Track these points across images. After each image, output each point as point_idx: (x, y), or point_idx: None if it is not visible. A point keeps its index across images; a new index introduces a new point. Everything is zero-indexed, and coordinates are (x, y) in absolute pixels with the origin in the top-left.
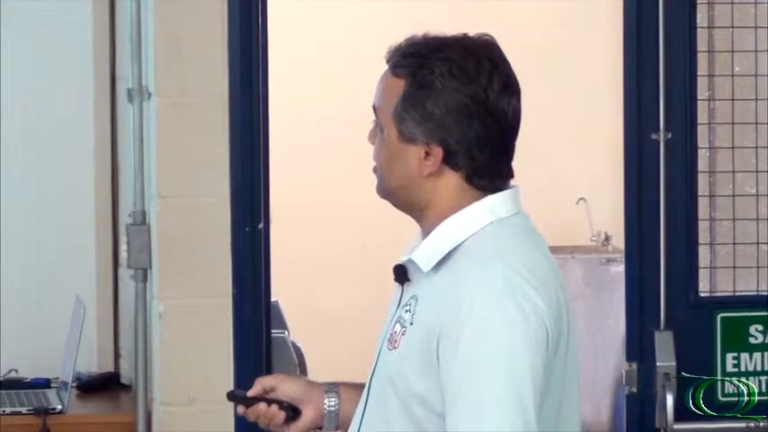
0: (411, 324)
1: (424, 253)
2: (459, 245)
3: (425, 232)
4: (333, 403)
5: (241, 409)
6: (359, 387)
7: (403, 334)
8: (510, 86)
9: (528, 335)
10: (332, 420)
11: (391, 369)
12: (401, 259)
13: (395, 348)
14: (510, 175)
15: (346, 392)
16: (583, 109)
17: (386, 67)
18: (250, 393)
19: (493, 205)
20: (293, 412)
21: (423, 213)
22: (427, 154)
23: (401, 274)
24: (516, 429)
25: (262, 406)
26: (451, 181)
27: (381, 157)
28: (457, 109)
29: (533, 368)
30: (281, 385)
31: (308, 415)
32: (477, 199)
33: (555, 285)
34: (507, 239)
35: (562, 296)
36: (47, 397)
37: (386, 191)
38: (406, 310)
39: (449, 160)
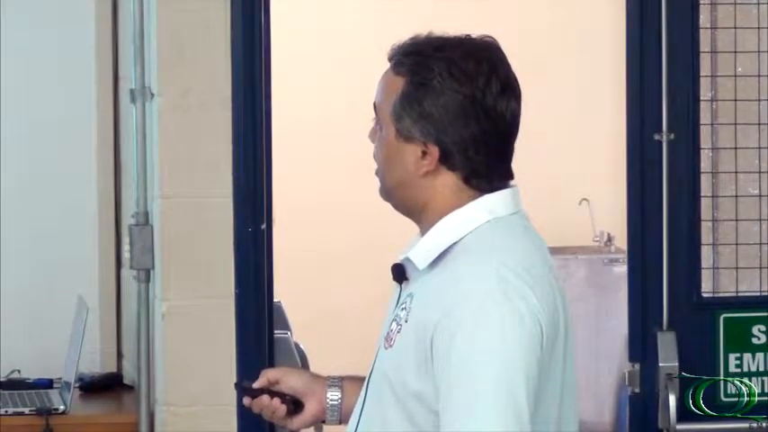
0: (406, 322)
1: (421, 251)
2: (455, 242)
3: (423, 233)
4: (335, 397)
5: (246, 400)
6: (362, 381)
7: (398, 332)
8: (509, 88)
9: (522, 334)
10: (334, 414)
11: (388, 367)
12: (398, 258)
13: (391, 347)
14: (509, 176)
15: (349, 386)
16: (585, 109)
17: (388, 65)
18: (255, 385)
19: (491, 203)
20: (296, 405)
21: (421, 214)
22: (424, 153)
23: (399, 273)
24: (510, 429)
25: (265, 398)
26: (448, 181)
27: (380, 155)
28: (454, 109)
29: (528, 367)
30: (285, 378)
31: (310, 408)
32: (475, 199)
33: (552, 285)
34: (504, 237)
35: (559, 296)
36: (49, 397)
37: (386, 191)
38: (403, 308)
39: (445, 160)
